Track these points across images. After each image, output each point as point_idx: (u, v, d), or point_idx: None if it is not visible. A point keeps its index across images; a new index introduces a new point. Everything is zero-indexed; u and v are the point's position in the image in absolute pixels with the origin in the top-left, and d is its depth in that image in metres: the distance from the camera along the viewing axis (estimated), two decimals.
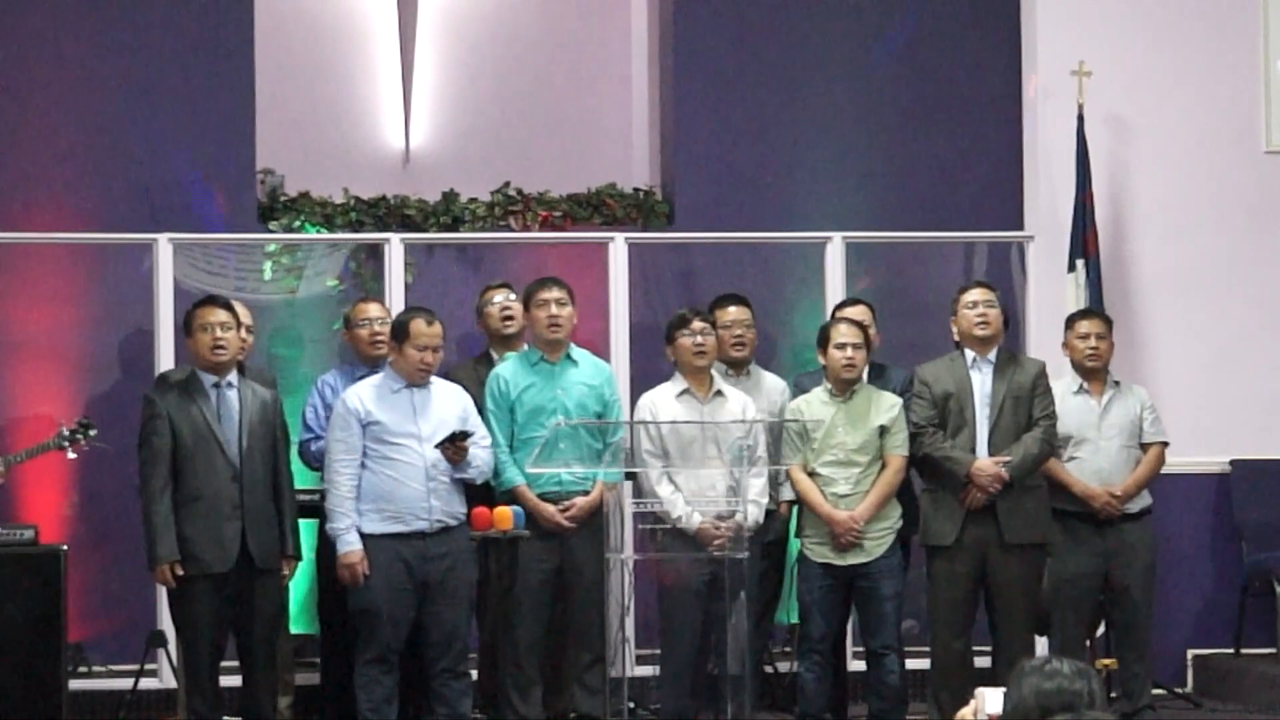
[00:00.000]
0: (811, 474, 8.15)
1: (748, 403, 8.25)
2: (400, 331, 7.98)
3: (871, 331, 8.60)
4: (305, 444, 8.42)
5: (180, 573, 7.63)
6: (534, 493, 8.25)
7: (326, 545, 8.01)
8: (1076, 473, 8.56)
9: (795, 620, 8.56)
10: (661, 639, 8.22)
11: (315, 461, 8.37)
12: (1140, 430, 8.68)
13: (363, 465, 7.87)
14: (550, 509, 8.24)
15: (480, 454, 7.98)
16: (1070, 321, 8.80)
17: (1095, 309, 9.14)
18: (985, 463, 8.18)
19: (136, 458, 7.76)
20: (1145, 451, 8.69)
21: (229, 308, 7.88)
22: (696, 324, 8.18)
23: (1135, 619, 8.62)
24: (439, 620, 7.88)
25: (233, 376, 7.83)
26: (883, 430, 8.17)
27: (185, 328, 7.88)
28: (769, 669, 9.04)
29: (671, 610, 8.13)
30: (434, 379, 8.02)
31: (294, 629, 8.69)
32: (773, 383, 8.66)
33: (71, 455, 8.22)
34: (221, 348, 7.75)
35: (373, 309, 8.59)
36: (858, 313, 8.63)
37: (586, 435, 8.32)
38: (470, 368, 8.63)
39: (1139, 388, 8.85)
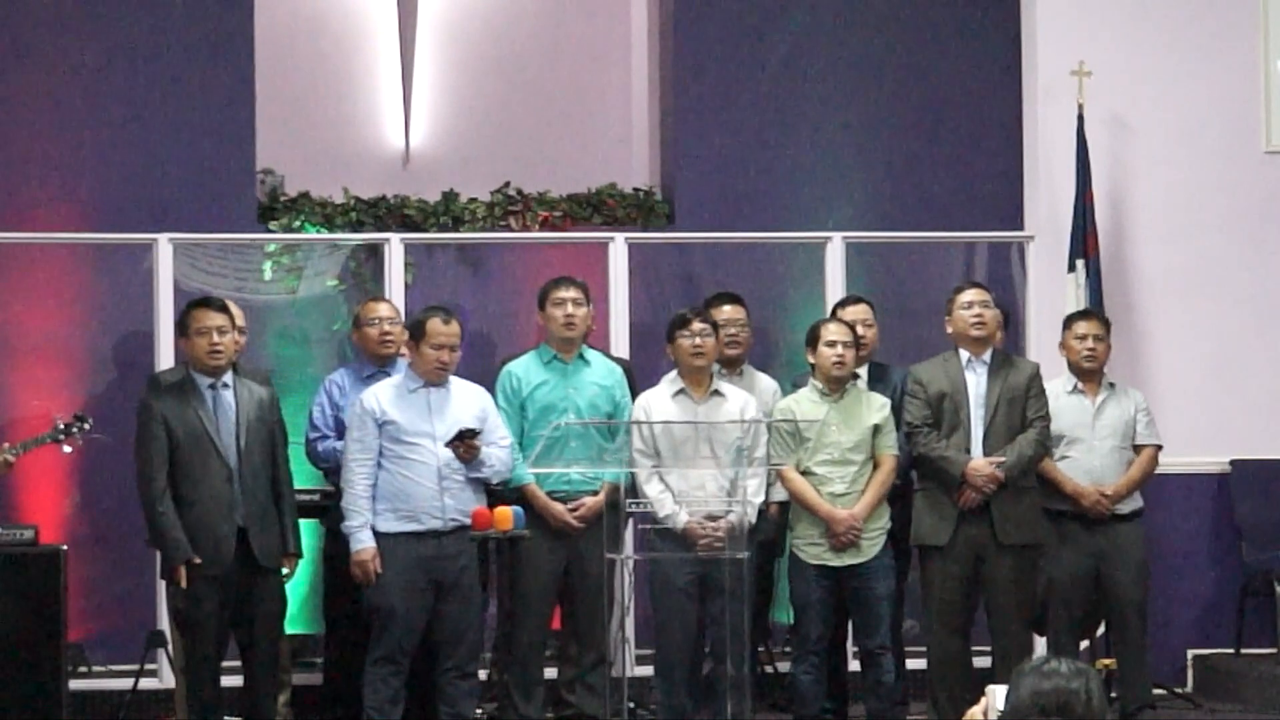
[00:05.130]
0: (805, 473, 8.14)
1: (749, 402, 8.21)
2: (417, 330, 7.98)
3: (870, 332, 8.59)
4: (313, 443, 8.42)
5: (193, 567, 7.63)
6: (543, 491, 8.26)
7: (332, 544, 8.00)
8: (1068, 472, 8.54)
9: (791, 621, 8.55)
10: (655, 639, 8.22)
11: (323, 460, 8.38)
12: (1134, 432, 8.66)
13: (379, 465, 7.89)
14: (559, 508, 8.23)
15: (497, 453, 7.96)
16: (1068, 322, 8.79)
17: (1093, 310, 9.12)
18: (980, 463, 8.17)
19: (134, 458, 7.75)
20: (1138, 454, 8.68)
21: (225, 310, 7.85)
22: (696, 325, 8.16)
23: (1129, 620, 8.59)
24: (450, 619, 7.88)
25: (228, 376, 7.81)
26: (875, 429, 8.17)
27: (180, 328, 7.86)
28: (769, 669, 9.04)
29: (663, 610, 8.13)
30: (454, 379, 8.02)
31: (294, 629, 8.67)
32: (765, 383, 8.64)
33: (67, 449, 8.20)
34: (218, 352, 7.74)
35: (382, 308, 8.58)
36: (858, 312, 8.63)
37: (593, 435, 8.32)
38: None
39: (1134, 390, 8.83)
